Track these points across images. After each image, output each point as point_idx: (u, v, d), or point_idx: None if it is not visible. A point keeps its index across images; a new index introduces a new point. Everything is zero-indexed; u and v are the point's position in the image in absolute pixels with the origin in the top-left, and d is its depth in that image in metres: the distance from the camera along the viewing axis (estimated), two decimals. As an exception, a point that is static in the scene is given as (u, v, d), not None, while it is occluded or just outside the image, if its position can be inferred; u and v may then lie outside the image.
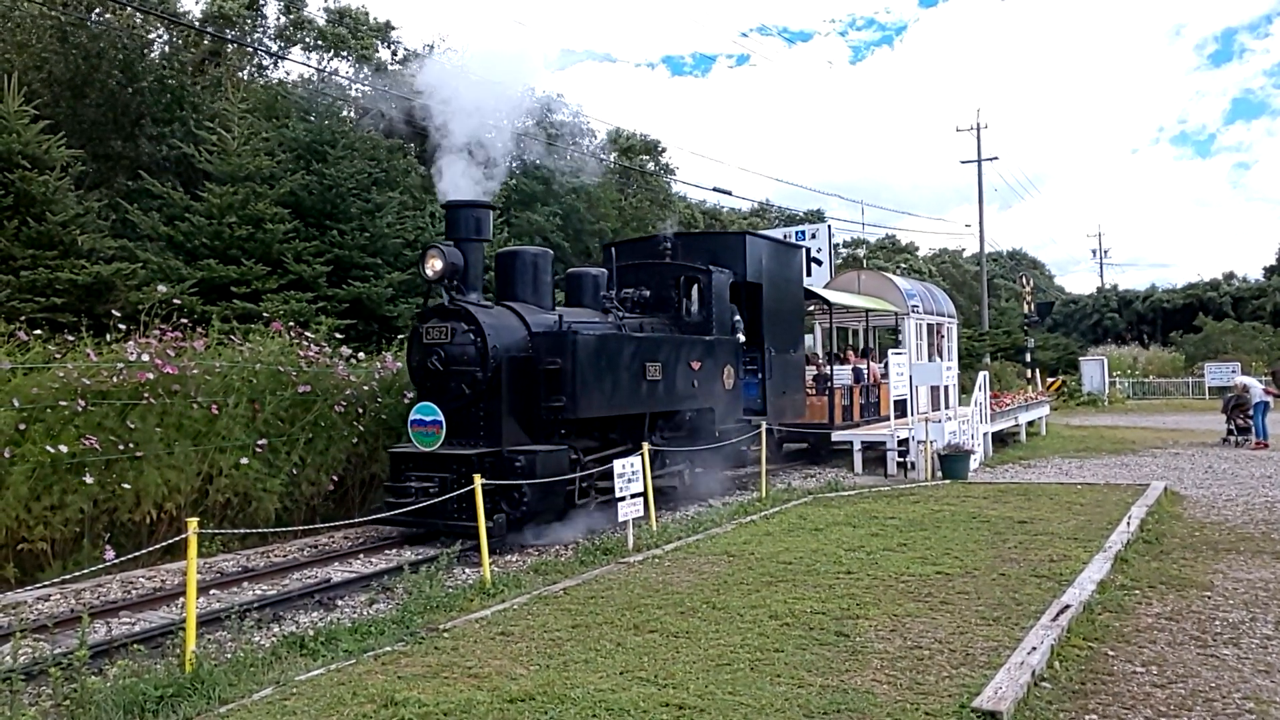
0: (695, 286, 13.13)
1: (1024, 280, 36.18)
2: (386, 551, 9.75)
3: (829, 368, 17.93)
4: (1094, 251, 77.35)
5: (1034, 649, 5.61)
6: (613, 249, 13.30)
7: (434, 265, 10.01)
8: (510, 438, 9.96)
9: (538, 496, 9.58)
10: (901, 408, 15.90)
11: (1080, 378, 37.12)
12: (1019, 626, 6.21)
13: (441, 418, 9.76)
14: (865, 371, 19.07)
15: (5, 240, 12.25)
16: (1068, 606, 6.55)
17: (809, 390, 16.80)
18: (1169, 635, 6.28)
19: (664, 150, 41.93)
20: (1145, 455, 17.96)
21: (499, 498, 9.43)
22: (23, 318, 10.58)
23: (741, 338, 13.38)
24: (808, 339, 23.61)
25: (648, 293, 12.99)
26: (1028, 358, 32.70)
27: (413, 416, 10.00)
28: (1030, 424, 21.80)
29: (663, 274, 13.30)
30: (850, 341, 23.11)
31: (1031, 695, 5.09)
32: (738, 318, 13.42)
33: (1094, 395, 35.65)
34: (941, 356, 21.63)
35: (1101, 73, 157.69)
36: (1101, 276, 68.05)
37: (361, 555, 9.56)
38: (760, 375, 14.13)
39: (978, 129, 41.35)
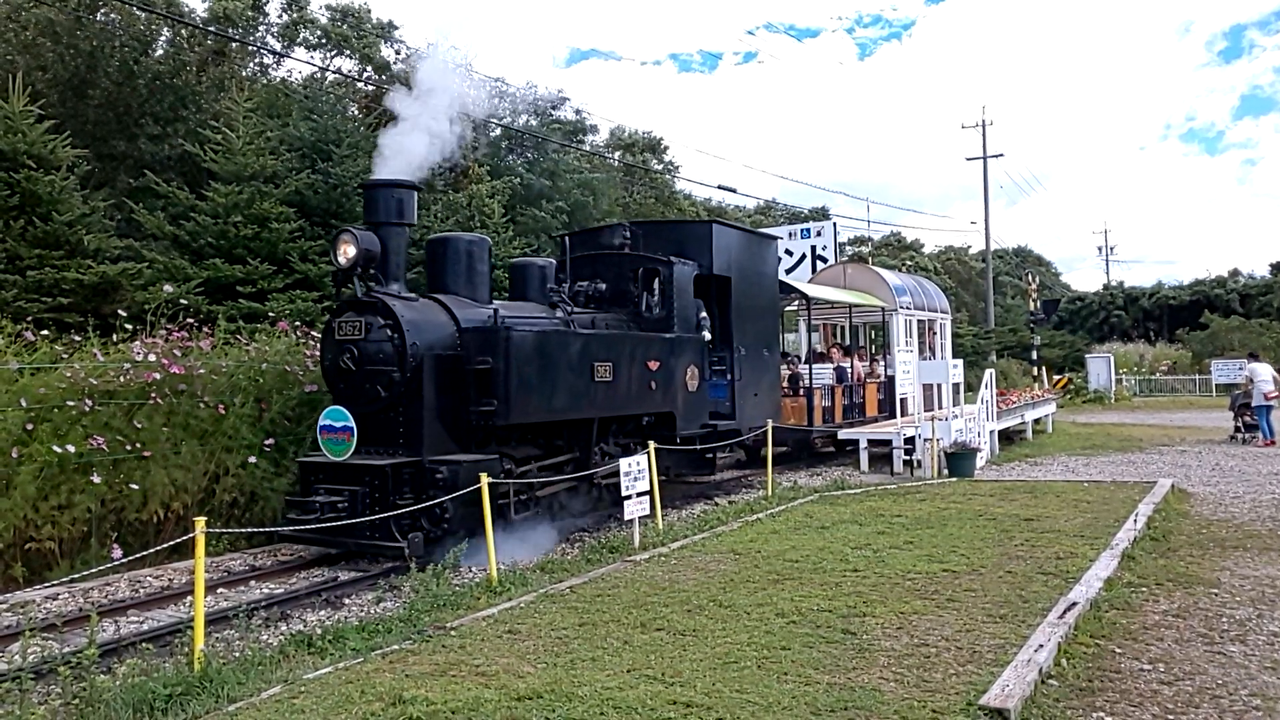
0: (655, 279, 12.09)
1: (1030, 278, 36.14)
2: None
3: (808, 367, 17.05)
4: (1100, 248, 77.35)
5: (1041, 646, 5.60)
6: (566, 238, 12.45)
7: (346, 252, 9.06)
8: (434, 446, 8.98)
9: (461, 512, 8.53)
10: (906, 406, 15.91)
11: (1086, 375, 37.03)
12: (1026, 624, 6.20)
13: (352, 424, 8.82)
14: (849, 370, 18.26)
15: (12, 240, 12.28)
16: (1075, 604, 6.54)
17: (786, 391, 16.17)
18: (1176, 633, 6.27)
19: (666, 148, 41.91)
20: (1152, 453, 17.92)
21: (419, 513, 8.54)
22: (29, 318, 10.62)
23: (707, 335, 12.47)
24: (796, 337, 23.38)
25: (603, 286, 12.02)
26: (1034, 355, 32.66)
27: (321, 422, 9.03)
28: (1037, 421, 21.76)
29: (620, 266, 12.28)
30: (838, 339, 22.35)
31: (1039, 693, 5.08)
32: (704, 314, 12.52)
33: (1100, 392, 35.56)
34: (934, 354, 21.08)
35: (1109, 69, 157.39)
36: (1108, 273, 68.19)
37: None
38: (729, 376, 13.13)
39: (983, 126, 41.29)
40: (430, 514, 8.52)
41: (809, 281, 21.48)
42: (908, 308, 19.84)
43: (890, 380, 18.64)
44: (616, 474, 10.73)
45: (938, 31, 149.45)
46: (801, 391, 16.46)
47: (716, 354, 12.94)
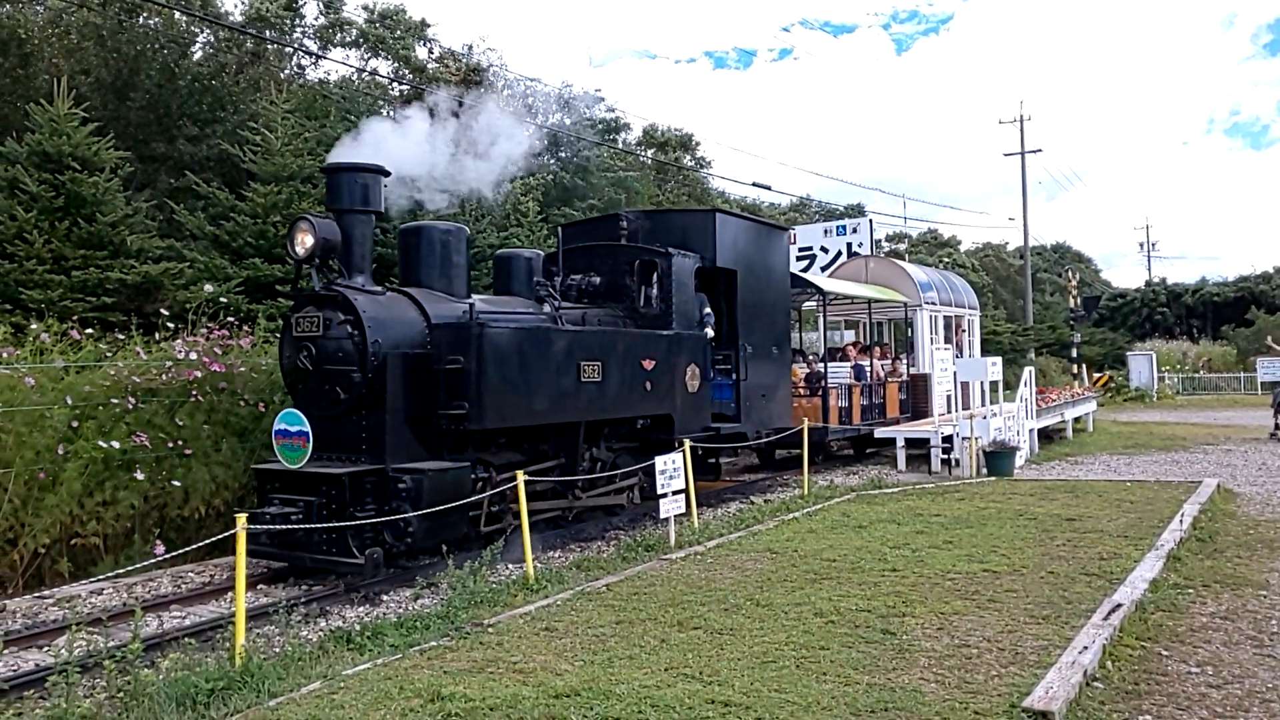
0: (654, 273, 11.24)
1: (1070, 274, 35.60)
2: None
3: (823, 365, 16.12)
4: (1141, 244, 76.14)
5: (1085, 648, 5.51)
6: (561, 229, 11.60)
7: (303, 241, 8.31)
8: (400, 452, 8.25)
9: (425, 526, 7.84)
10: (947, 404, 15.72)
11: (1128, 373, 36.49)
12: (1069, 625, 6.11)
13: (308, 428, 8.06)
14: (868, 369, 17.25)
15: (57, 241, 12.48)
16: (1119, 605, 6.44)
17: (801, 390, 15.44)
18: (1224, 635, 6.14)
19: (699, 145, 41.81)
20: (1196, 452, 17.60)
21: (382, 525, 7.92)
22: (75, 317, 10.78)
23: (711, 332, 11.72)
24: (817, 335, 22.80)
25: (598, 280, 11.22)
26: (1074, 353, 32.22)
27: (276, 426, 8.29)
28: (1077, 420, 21.45)
29: (616, 258, 11.45)
30: (876, 337, 21.39)
31: (1084, 695, 5.00)
32: (707, 310, 11.76)
33: (1142, 391, 35.02)
34: (961, 351, 20.33)
35: (1151, 62, 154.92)
36: (1149, 270, 66.96)
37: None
38: (734, 376, 12.29)
39: (1021, 121, 40.76)
40: (394, 527, 7.87)
41: (828, 276, 20.97)
42: (933, 303, 19.13)
43: (914, 379, 18.16)
44: (605, 480, 10.30)
45: (975, 26, 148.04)
46: (818, 391, 15.66)
47: (721, 352, 12.27)
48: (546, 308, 9.98)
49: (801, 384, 15.67)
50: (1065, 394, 21.84)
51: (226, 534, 6.09)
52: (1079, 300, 33.47)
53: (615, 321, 10.88)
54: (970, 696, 4.91)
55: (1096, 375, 34.25)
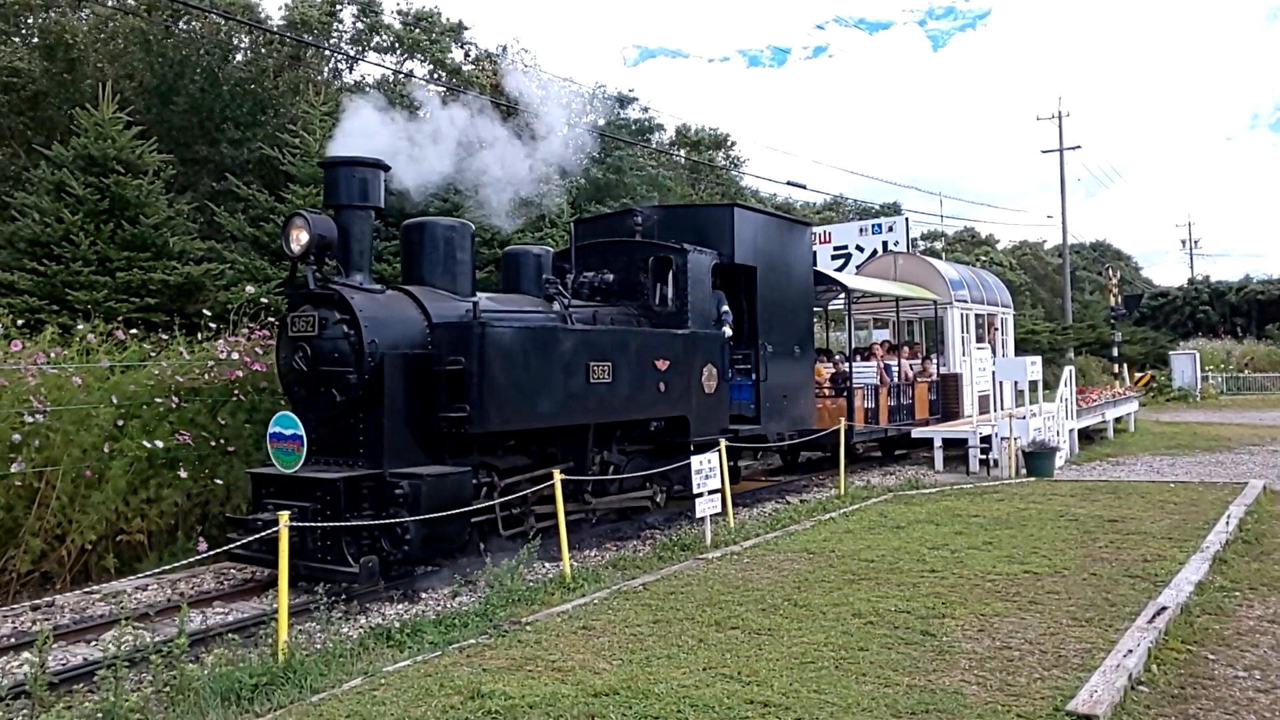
0: (669, 270, 10.88)
1: (1110, 272, 35.11)
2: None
3: (848, 365, 15.53)
4: (1184, 242, 74.85)
5: (1130, 651, 5.43)
6: (573, 225, 11.30)
7: (298, 238, 8.01)
8: (399, 456, 7.96)
9: (424, 533, 7.53)
10: (984, 404, 15.55)
11: (1170, 372, 35.90)
12: (1113, 628, 6.03)
13: (302, 432, 7.78)
14: (895, 369, 16.68)
15: (102, 243, 12.72)
16: (1164, 608, 6.34)
17: (826, 391, 15.04)
18: (1272, 639, 6.03)
19: (733, 144, 41.70)
20: (1241, 452, 17.27)
21: (379, 532, 7.66)
22: (120, 317, 10.98)
23: (728, 331, 11.29)
24: (865, 334, 22.35)
25: (611, 277, 10.89)
26: (1115, 352, 31.77)
27: (270, 429, 8.01)
28: (1118, 420, 21.14)
29: (630, 254, 11.07)
30: (910, 336, 20.86)
31: (1128, 699, 4.94)
32: (725, 308, 11.34)
33: (1185, 390, 34.44)
34: (994, 351, 19.43)
35: (1193, 57, 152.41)
36: (1192, 267, 65.96)
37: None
38: (754, 377, 11.92)
39: (1059, 117, 40.25)
40: (391, 534, 7.59)
41: (855, 273, 20.58)
42: (964, 301, 18.52)
43: (944, 379, 17.72)
44: (615, 484, 9.96)
45: (1013, 21, 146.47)
46: (844, 392, 15.11)
47: (740, 352, 11.92)
48: (556, 306, 9.71)
49: (826, 384, 15.35)
50: (1107, 394, 21.52)
51: (268, 532, 6.16)
52: (1120, 299, 32.99)
53: (628, 320, 10.57)
54: (1012, 699, 4.86)
55: (1138, 375, 33.72)
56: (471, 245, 9.39)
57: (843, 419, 13.22)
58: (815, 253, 25.19)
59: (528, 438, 9.07)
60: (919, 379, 17.22)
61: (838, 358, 16.57)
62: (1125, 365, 31.15)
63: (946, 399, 17.59)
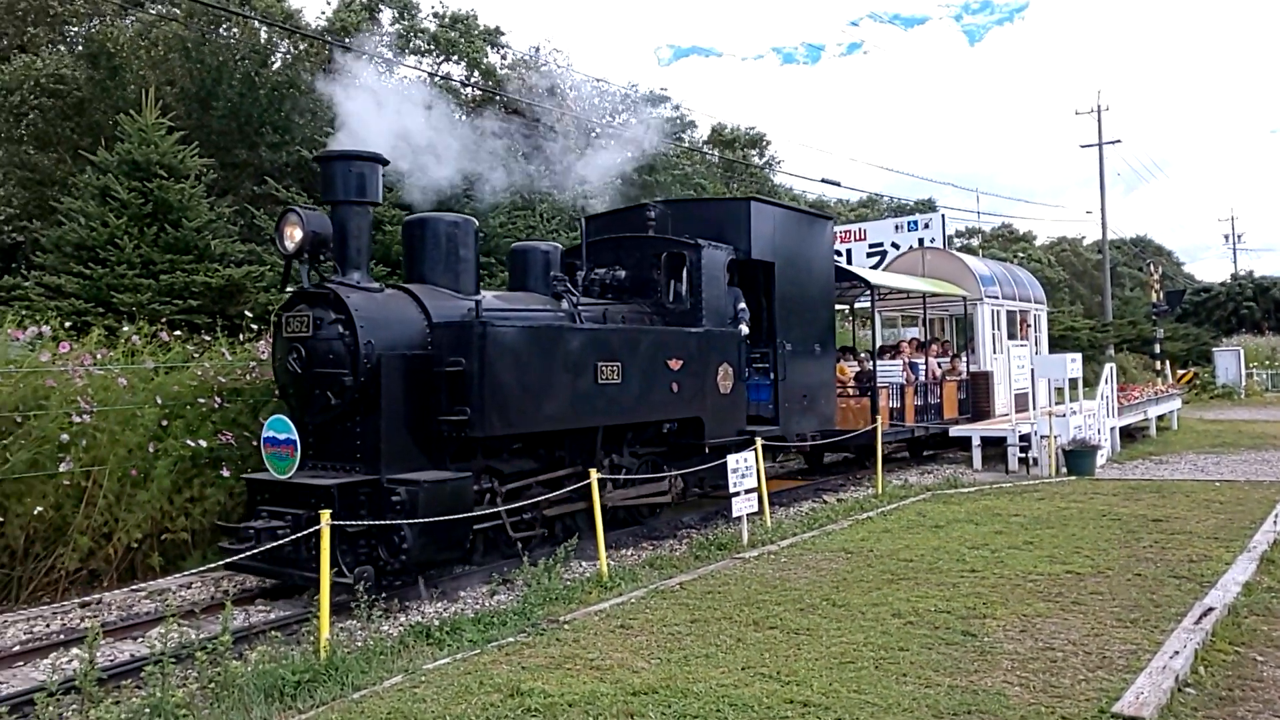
0: (682, 266, 10.53)
1: (1152, 268, 34.53)
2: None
3: (872, 364, 15.01)
4: (1226, 236, 73.60)
5: (1177, 653, 5.35)
6: (585, 220, 11.04)
7: (292, 235, 7.74)
8: (397, 461, 7.64)
9: (422, 541, 7.22)
10: (1023, 402, 15.35)
11: (1214, 369, 35.27)
12: (1158, 629, 5.94)
13: (295, 436, 7.47)
14: (922, 368, 16.16)
15: (146, 246, 12.94)
16: (1211, 609, 6.24)
17: (850, 391, 14.67)
18: (1325, 641, 5.91)
19: (768, 143, 41.57)
20: (1288, 451, 16.94)
21: (376, 541, 7.38)
22: (163, 319, 11.16)
23: (745, 329, 10.90)
24: (897, 332, 21.88)
25: (623, 274, 10.55)
26: (1157, 349, 31.27)
27: (264, 433, 7.71)
28: (1160, 418, 20.81)
29: (643, 250, 10.72)
30: (943, 334, 20.41)
31: (1175, 701, 4.86)
32: (742, 305, 10.95)
33: (1229, 387, 33.82)
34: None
35: (1235, 48, 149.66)
36: (1235, 262, 64.62)
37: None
38: (772, 376, 11.52)
39: (1098, 111, 39.72)
40: (388, 542, 7.29)
41: (882, 269, 20.23)
42: (995, 297, 18.00)
43: (974, 377, 17.30)
44: (626, 485, 9.61)
45: (1050, 14, 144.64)
46: (868, 391, 14.61)
47: (758, 350, 11.57)
48: (564, 304, 9.37)
49: (851, 383, 14.97)
50: (1149, 391, 21.18)
51: (309, 530, 6.23)
52: (1162, 295, 32.42)
53: (640, 318, 10.23)
54: (1057, 700, 4.81)
55: (1180, 372, 33.17)
56: (476, 242, 9.09)
57: (879, 419, 13.13)
58: (850, 250, 25.11)
59: (534, 441, 8.77)
60: (948, 377, 16.79)
61: (863, 356, 16.20)
62: (1167, 362, 30.61)
63: (977, 398, 17.16)
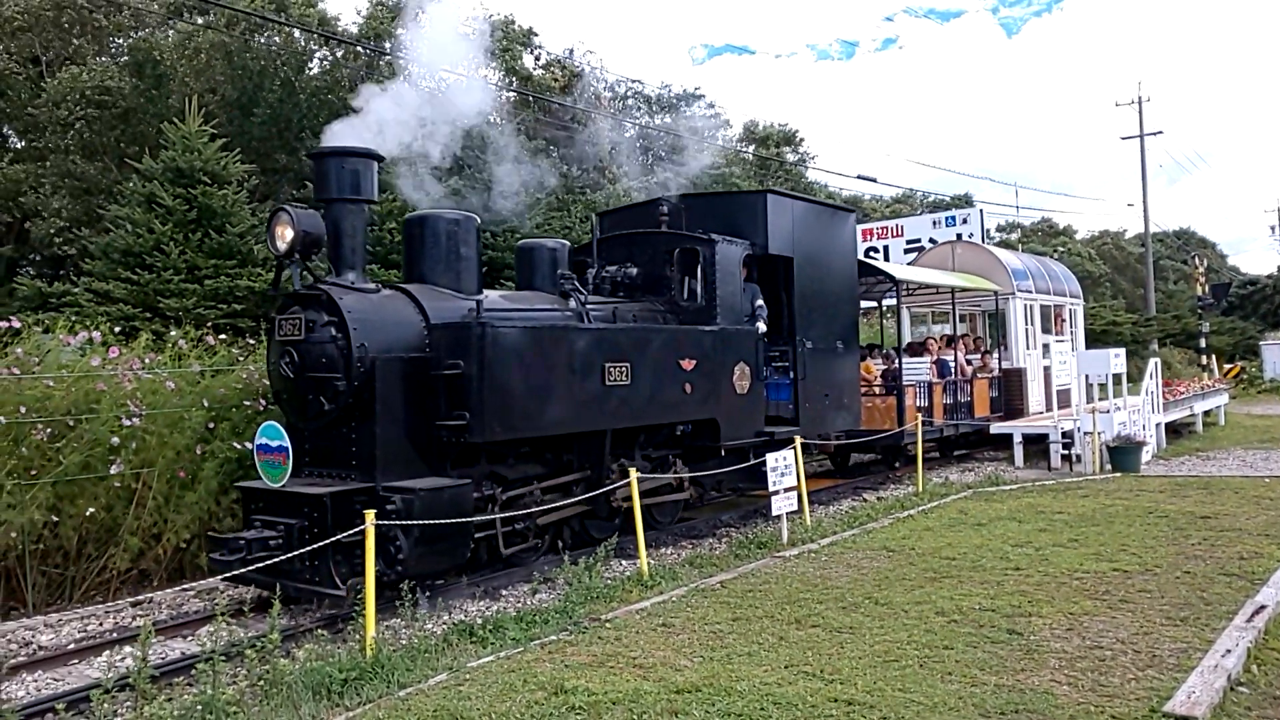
0: (696, 262, 10.19)
1: (1197, 261, 33.95)
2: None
3: (898, 361, 14.57)
4: (1273, 228, 71.90)
5: (1229, 651, 5.27)
6: (597, 217, 10.66)
7: (283, 234, 7.53)
8: (394, 468, 7.35)
9: (419, 551, 6.96)
10: (1066, 398, 15.15)
11: (1261, 363, 34.62)
12: (1209, 628, 5.85)
13: (287, 443, 7.20)
14: (952, 365, 15.62)
15: (190, 252, 13.16)
16: (1264, 607, 6.14)
17: (876, 389, 14.32)
18: (1382, 640, 5.79)
19: (801, 140, 41.38)
20: (1341, 446, 16.59)
21: (376, 550, 6.72)
22: (209, 323, 11.34)
23: (763, 327, 10.54)
24: (925, 328, 21.47)
25: (635, 271, 10.24)
26: (1202, 343, 30.74)
27: (257, 440, 7.44)
28: (1207, 413, 20.46)
29: (655, 246, 10.39)
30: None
31: (1228, 700, 4.80)
32: (759, 302, 10.63)
33: (1277, 382, 33.18)
34: None
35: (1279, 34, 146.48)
36: (1283, 254, 63.11)
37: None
38: (791, 375, 11.11)
39: (1139, 102, 39.04)
40: (385, 552, 6.94)
41: (910, 263, 19.88)
42: (1028, 291, 17.46)
43: (1006, 374, 16.83)
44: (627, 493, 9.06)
45: (1089, 4, 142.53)
46: (893, 389, 14.15)
47: (777, 349, 11.17)
48: (571, 303, 9.05)
49: (877, 381, 14.55)
50: (1194, 386, 20.82)
51: (353, 530, 6.30)
52: (1207, 288, 31.87)
53: (652, 316, 9.90)
54: (1106, 700, 4.75)
55: (1227, 366, 32.58)
56: (478, 240, 8.81)
57: (910, 416, 12.95)
58: (888, 246, 24.92)
59: (540, 445, 8.51)
60: (979, 374, 16.29)
61: (889, 353, 15.81)
62: (1214, 356, 30.09)
63: (1010, 395, 16.69)
